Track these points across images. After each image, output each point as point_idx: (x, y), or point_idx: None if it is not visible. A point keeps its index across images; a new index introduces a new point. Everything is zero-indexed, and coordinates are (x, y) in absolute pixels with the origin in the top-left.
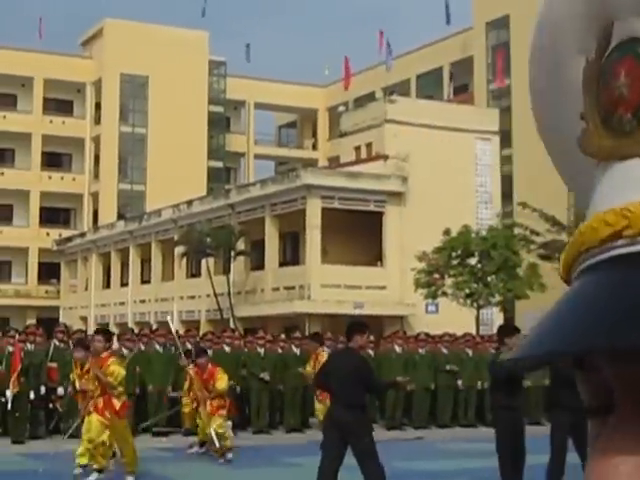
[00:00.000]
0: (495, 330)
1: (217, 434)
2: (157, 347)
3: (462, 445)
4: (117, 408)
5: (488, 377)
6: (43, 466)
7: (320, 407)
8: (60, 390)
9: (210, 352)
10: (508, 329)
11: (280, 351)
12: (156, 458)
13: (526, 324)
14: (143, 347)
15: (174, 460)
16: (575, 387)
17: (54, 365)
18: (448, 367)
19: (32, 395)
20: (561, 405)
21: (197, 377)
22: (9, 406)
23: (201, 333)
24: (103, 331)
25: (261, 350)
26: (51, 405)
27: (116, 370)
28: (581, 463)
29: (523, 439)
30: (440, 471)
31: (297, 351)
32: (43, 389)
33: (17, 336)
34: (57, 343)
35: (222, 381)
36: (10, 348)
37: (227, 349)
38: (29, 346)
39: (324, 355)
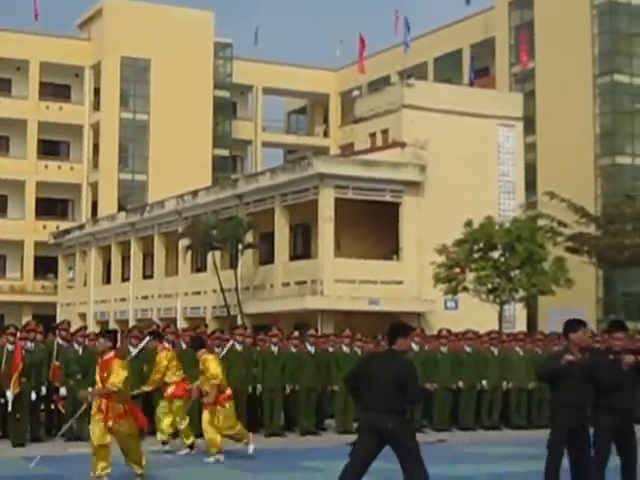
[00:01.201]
0: (517, 327)
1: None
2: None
3: (487, 449)
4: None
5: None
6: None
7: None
8: (62, 390)
9: (219, 350)
10: (574, 323)
11: (294, 349)
12: (161, 462)
13: (550, 321)
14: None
15: (185, 464)
16: (621, 390)
17: (57, 364)
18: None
19: (34, 396)
20: (604, 407)
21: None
22: (9, 408)
23: (208, 331)
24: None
25: (275, 348)
26: (53, 406)
27: None
28: (621, 465)
29: (589, 439)
30: (466, 476)
31: (312, 349)
32: (44, 389)
33: (18, 334)
34: (60, 341)
35: (117, 376)
36: (9, 347)
37: (238, 347)
38: (29, 344)
39: (211, 359)
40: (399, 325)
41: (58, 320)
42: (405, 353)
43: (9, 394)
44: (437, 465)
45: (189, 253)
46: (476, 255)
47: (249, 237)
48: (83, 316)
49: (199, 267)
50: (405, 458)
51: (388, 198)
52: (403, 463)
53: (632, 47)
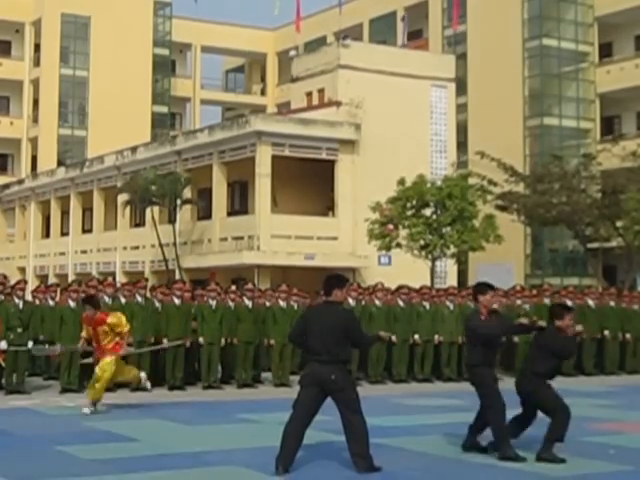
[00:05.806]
0: (449, 282)
1: None
2: (106, 299)
3: (420, 400)
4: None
5: (465, 333)
6: None
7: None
8: (3, 344)
9: (159, 305)
10: (482, 287)
11: (231, 304)
12: (104, 414)
13: (480, 276)
14: None
15: (123, 417)
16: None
17: None
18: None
19: None
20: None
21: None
22: None
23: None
24: None
25: (213, 302)
26: None
27: None
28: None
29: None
30: (400, 426)
31: (249, 303)
32: None
33: None
34: None
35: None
36: None
37: (177, 301)
38: None
39: None
40: (335, 277)
41: None
42: (341, 304)
43: None
44: (373, 416)
45: (128, 208)
46: (409, 212)
47: (187, 193)
48: (23, 270)
49: (138, 222)
50: (345, 408)
51: (324, 156)
52: (343, 413)
53: (560, 12)
